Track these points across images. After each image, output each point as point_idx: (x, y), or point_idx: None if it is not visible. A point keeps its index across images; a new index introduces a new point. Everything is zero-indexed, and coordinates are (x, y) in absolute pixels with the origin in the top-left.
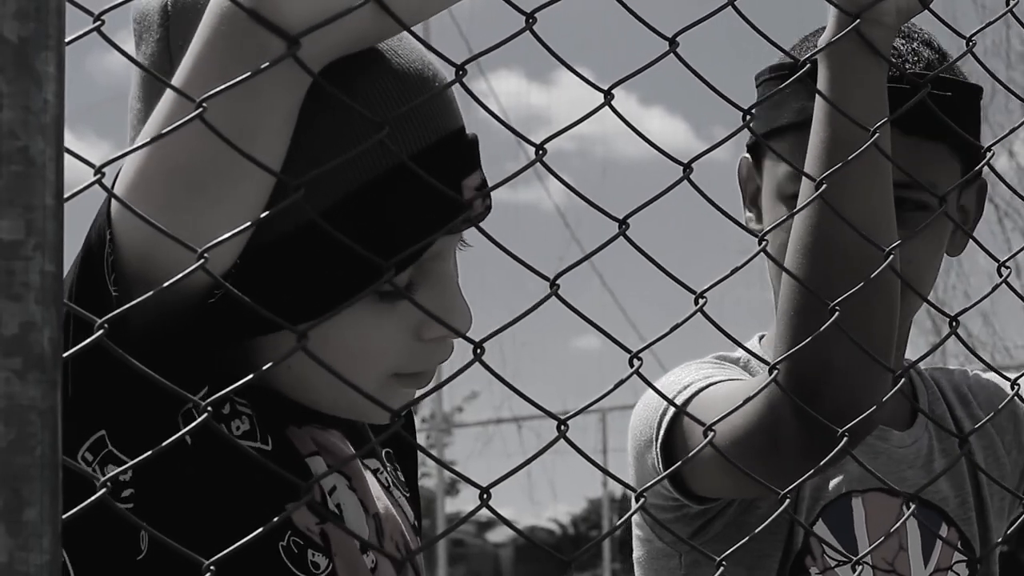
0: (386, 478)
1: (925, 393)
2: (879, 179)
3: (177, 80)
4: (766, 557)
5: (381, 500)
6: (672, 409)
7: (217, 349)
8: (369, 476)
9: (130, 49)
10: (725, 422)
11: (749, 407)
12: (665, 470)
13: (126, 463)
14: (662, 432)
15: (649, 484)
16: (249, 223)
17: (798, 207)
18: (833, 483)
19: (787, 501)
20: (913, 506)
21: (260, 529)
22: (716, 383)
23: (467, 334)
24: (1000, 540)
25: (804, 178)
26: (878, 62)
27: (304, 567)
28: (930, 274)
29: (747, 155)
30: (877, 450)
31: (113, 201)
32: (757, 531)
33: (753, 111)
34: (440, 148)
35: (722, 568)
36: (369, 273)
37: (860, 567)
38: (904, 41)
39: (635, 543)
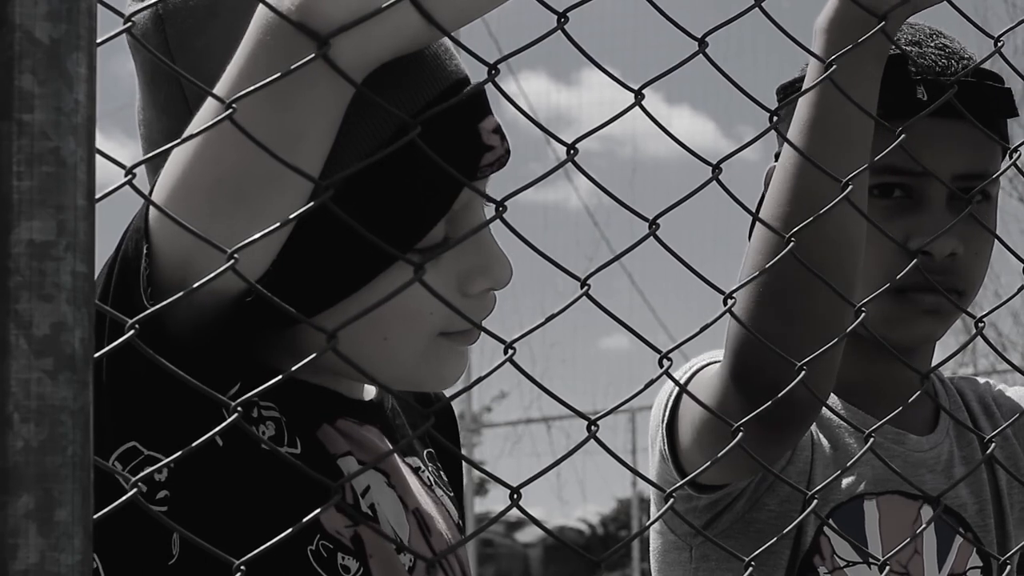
0: (428, 477)
1: (947, 400)
2: (851, 157)
3: (220, 90)
4: (774, 554)
5: (423, 497)
6: (675, 396)
7: (254, 337)
8: (408, 473)
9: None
10: (701, 408)
11: (714, 387)
12: (669, 452)
13: (160, 458)
14: (666, 415)
15: (678, 484)
16: (279, 224)
17: (772, 180)
18: (846, 483)
19: (815, 501)
20: (939, 508)
21: (288, 530)
22: (706, 366)
23: (499, 335)
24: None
25: (783, 151)
26: (875, 54)
27: (334, 571)
28: (983, 268)
29: (776, 163)
30: (892, 453)
31: (151, 212)
32: (786, 531)
33: (780, 112)
34: (450, 95)
35: (751, 568)
36: (403, 235)
37: (873, 567)
38: (937, 52)
39: (651, 533)
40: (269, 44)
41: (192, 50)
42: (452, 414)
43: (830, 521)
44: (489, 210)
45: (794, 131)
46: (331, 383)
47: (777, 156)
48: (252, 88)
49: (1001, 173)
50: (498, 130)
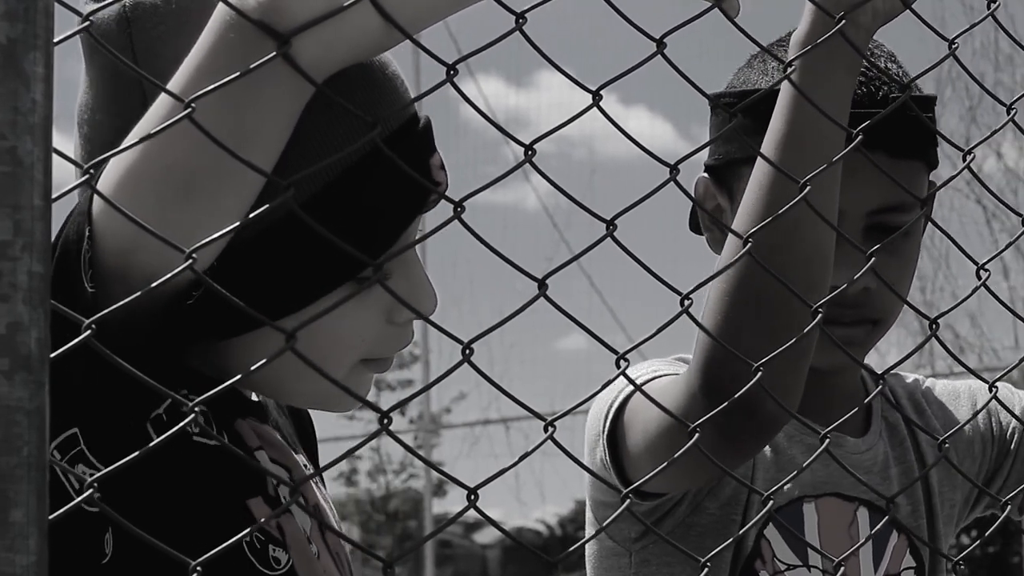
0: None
1: (879, 399)
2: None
3: (175, 86)
4: (717, 558)
5: (317, 492)
6: (617, 403)
7: (191, 345)
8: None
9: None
10: (657, 416)
11: (676, 397)
12: (611, 461)
13: (93, 462)
14: (607, 424)
15: (636, 484)
16: (237, 223)
17: (745, 195)
18: (785, 488)
19: (771, 503)
20: (893, 510)
21: (247, 530)
22: (657, 377)
23: (456, 335)
24: (955, 544)
25: (756, 166)
26: (846, 66)
27: (265, 562)
28: (903, 294)
29: (705, 175)
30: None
31: (95, 199)
32: (740, 533)
33: (739, 114)
34: (406, 132)
35: (706, 569)
36: (348, 261)
37: (814, 569)
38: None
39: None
40: (231, 41)
41: (159, 57)
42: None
43: (771, 524)
44: (456, 246)
45: (768, 146)
46: (256, 388)
47: (707, 168)
48: (211, 87)
49: (944, 184)
50: (443, 166)
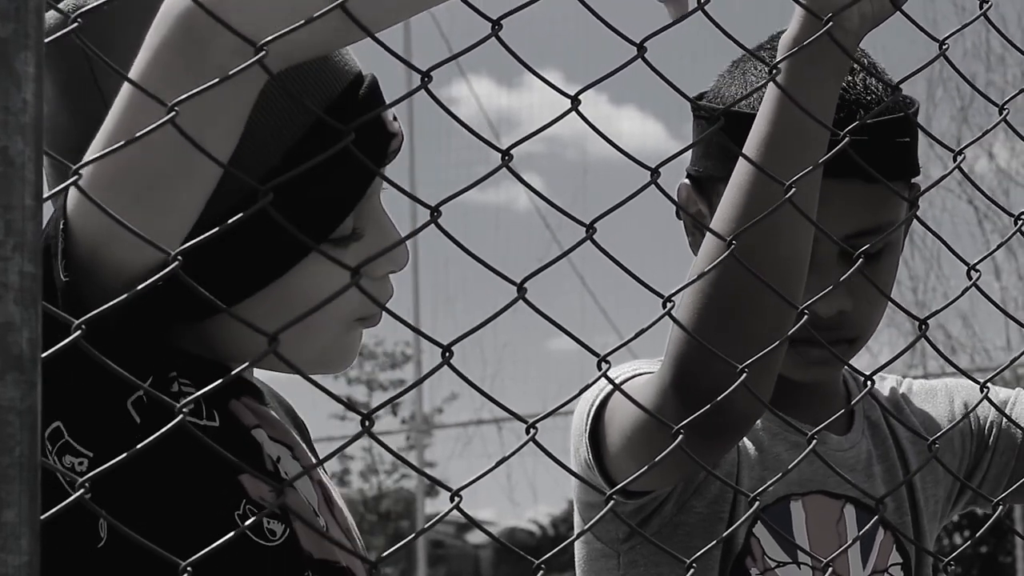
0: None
1: (862, 400)
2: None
3: (129, 87)
4: (705, 556)
5: (320, 470)
6: (598, 403)
7: (173, 326)
8: (306, 450)
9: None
10: (632, 412)
11: (650, 393)
12: (594, 459)
13: (82, 452)
14: (589, 424)
15: (620, 484)
16: (218, 228)
17: (725, 194)
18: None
19: (757, 503)
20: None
21: (246, 524)
22: (637, 376)
23: (437, 339)
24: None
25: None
26: (834, 70)
27: (260, 534)
28: (879, 313)
29: (687, 181)
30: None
31: (71, 194)
32: (725, 534)
33: (723, 116)
34: (354, 89)
35: (692, 570)
36: (320, 225)
37: (804, 567)
38: (849, 75)
39: (576, 543)
40: (177, 44)
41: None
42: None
43: (759, 522)
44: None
45: (749, 146)
46: (229, 363)
47: (688, 176)
48: (192, 92)
49: (935, 185)
50: (396, 117)
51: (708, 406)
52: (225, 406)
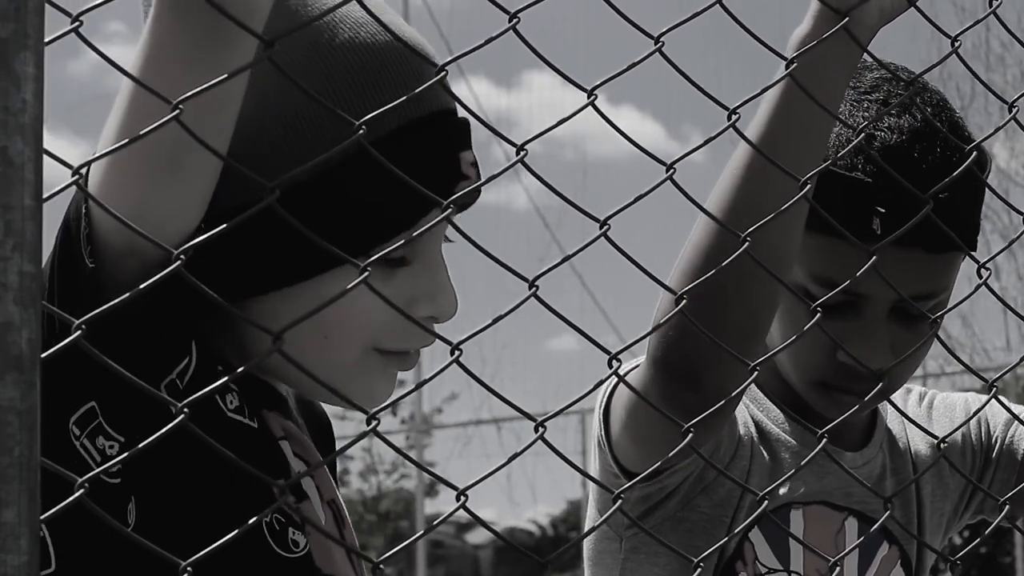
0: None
1: (886, 409)
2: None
3: (133, 63)
4: (697, 556)
5: (330, 489)
6: (606, 397)
7: (198, 325)
8: (328, 474)
9: (109, 50)
10: (628, 398)
11: (639, 374)
12: (605, 440)
13: (113, 436)
14: (602, 406)
15: (626, 486)
16: (226, 224)
17: (719, 181)
18: (778, 492)
19: (765, 503)
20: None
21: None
22: (636, 367)
23: (444, 335)
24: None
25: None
26: (847, 65)
27: (284, 544)
28: (915, 366)
29: None
30: (827, 469)
31: (91, 176)
32: (732, 535)
33: (738, 111)
34: (435, 121)
35: (699, 569)
36: (360, 238)
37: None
38: (926, 140)
39: (586, 525)
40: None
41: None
42: (328, 420)
43: (756, 527)
44: (448, 246)
45: (751, 135)
46: (263, 376)
47: None
48: (199, 89)
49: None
50: (475, 165)
51: (683, 385)
52: (260, 413)
